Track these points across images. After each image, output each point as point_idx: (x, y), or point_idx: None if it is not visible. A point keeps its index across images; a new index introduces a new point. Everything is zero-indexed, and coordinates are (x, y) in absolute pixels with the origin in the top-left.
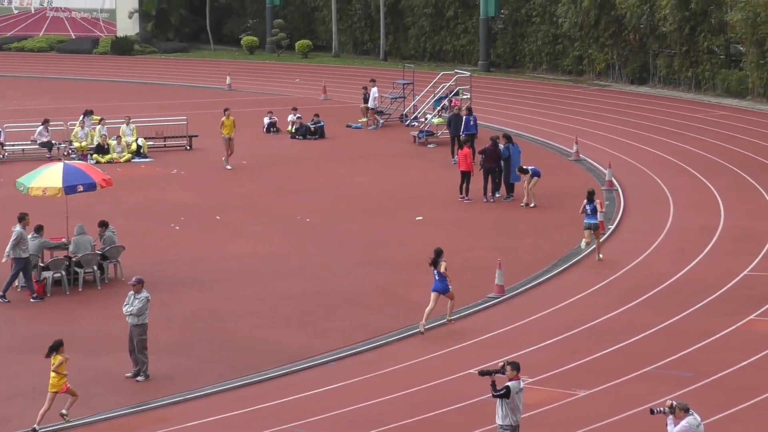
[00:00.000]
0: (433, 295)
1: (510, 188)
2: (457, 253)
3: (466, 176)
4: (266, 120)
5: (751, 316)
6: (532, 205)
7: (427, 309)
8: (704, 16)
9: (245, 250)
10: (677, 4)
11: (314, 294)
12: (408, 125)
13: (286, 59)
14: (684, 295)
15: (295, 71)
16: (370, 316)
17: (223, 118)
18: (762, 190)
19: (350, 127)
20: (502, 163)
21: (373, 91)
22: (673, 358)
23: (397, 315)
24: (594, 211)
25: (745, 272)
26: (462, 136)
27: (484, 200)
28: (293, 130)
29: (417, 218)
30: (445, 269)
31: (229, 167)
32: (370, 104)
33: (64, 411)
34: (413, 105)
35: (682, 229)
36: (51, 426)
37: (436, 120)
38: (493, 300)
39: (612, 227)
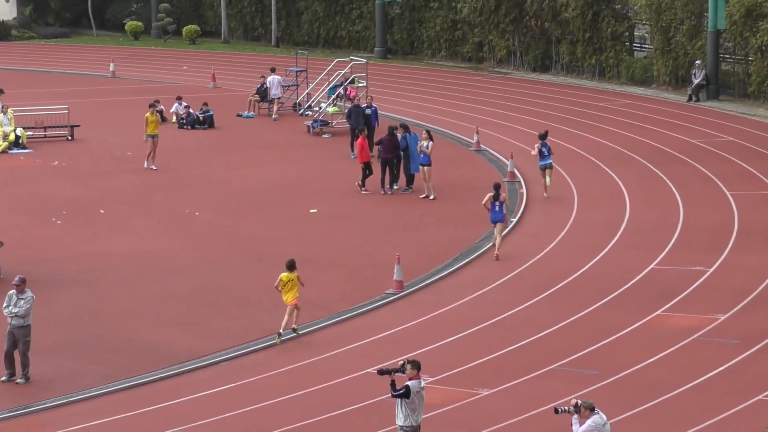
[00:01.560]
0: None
1: (409, 180)
2: (354, 248)
3: (367, 167)
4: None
5: (658, 312)
6: (431, 197)
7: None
8: (608, 1)
9: (130, 247)
10: None
11: (202, 292)
12: (302, 114)
13: (173, 45)
14: (589, 290)
15: (183, 58)
16: (261, 315)
17: (147, 114)
18: (668, 181)
19: (241, 116)
20: (401, 153)
21: (276, 80)
22: (577, 355)
23: None
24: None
25: (651, 266)
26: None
27: (382, 192)
28: (178, 122)
29: (311, 210)
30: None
31: (154, 168)
32: (274, 93)
33: (295, 326)
34: (307, 93)
35: (586, 222)
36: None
37: (330, 109)
38: (391, 296)
39: (514, 221)
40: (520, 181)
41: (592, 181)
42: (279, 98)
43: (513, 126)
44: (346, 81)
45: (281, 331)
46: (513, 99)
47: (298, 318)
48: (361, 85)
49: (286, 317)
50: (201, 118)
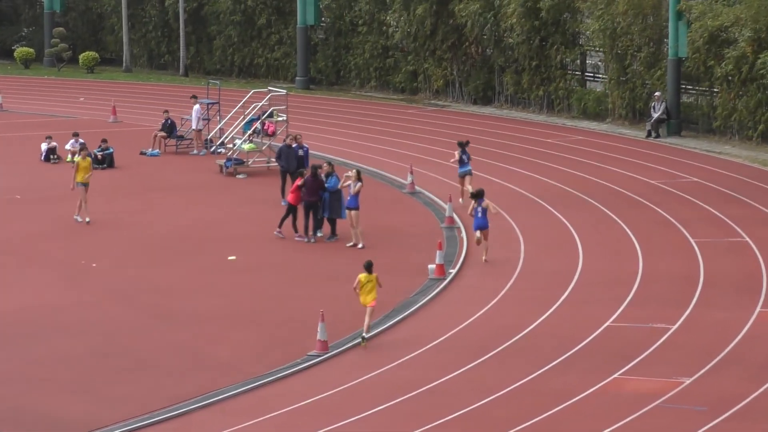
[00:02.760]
0: (477, 233)
1: (334, 226)
2: (273, 302)
3: (292, 210)
4: (44, 146)
5: (616, 374)
6: (360, 246)
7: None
8: (556, 26)
9: (17, 303)
10: (525, 12)
11: (99, 354)
12: (214, 152)
13: (69, 75)
14: (538, 350)
15: (79, 89)
16: (166, 379)
17: (78, 159)
18: (625, 226)
19: (145, 154)
20: (326, 195)
21: (195, 110)
22: (526, 425)
23: (197, 378)
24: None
25: (607, 323)
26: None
27: (305, 240)
28: (73, 160)
29: (230, 258)
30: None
31: (88, 220)
32: (194, 125)
33: (365, 334)
34: (219, 128)
35: (534, 272)
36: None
37: (246, 146)
38: (314, 359)
39: (453, 272)
40: (459, 227)
41: (541, 226)
42: (200, 130)
43: (452, 165)
44: (263, 114)
45: (365, 334)
46: (451, 135)
47: (369, 322)
48: (280, 119)
49: (366, 318)
50: (100, 157)
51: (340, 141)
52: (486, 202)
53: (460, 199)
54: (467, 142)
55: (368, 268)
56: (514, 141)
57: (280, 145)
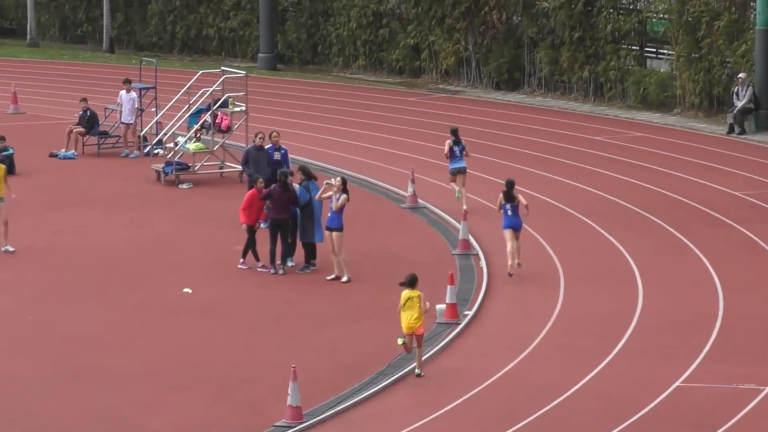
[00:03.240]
0: (507, 233)
1: (310, 252)
2: (230, 354)
3: (251, 232)
4: None
5: None
6: (344, 279)
7: (509, 248)
8: None
9: None
10: None
11: None
12: (149, 154)
13: None
14: (583, 419)
15: None
16: None
17: None
18: (699, 252)
19: (57, 156)
20: (297, 212)
21: (130, 99)
22: None
23: None
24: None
25: (677, 383)
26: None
27: (272, 271)
28: None
29: (185, 290)
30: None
31: (11, 249)
32: (126, 118)
33: (418, 369)
34: (156, 122)
35: (578, 315)
36: None
37: (192, 145)
38: (284, 430)
39: (470, 314)
40: (477, 254)
41: (586, 251)
42: (130, 125)
43: (467, 171)
44: (215, 104)
45: (418, 371)
46: (466, 130)
47: (420, 354)
48: (237, 110)
49: (415, 351)
50: None
51: (317, 139)
52: (519, 198)
53: (464, 207)
54: (457, 130)
55: (411, 283)
56: (549, 138)
57: (248, 146)
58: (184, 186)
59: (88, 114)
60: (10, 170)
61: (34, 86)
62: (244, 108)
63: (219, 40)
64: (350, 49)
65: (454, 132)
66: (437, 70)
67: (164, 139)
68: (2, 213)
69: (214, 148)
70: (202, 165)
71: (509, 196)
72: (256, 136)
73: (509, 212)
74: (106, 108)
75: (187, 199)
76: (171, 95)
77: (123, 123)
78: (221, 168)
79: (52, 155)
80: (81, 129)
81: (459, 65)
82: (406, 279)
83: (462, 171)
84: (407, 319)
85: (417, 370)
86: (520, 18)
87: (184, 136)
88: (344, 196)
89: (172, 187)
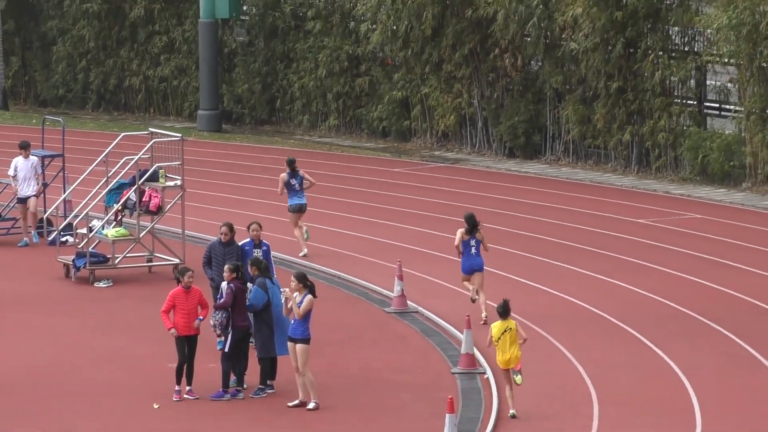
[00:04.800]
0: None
1: (268, 370)
2: None
3: (182, 347)
4: None
5: None
6: (310, 405)
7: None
8: (652, 19)
9: None
10: None
11: None
12: (54, 241)
13: None
14: None
15: None
16: None
17: None
18: None
19: None
20: (249, 318)
21: (29, 165)
22: None
23: None
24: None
25: None
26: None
27: (223, 395)
28: None
29: (155, 406)
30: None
31: None
32: (24, 191)
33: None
34: (64, 200)
35: None
36: None
37: (110, 231)
38: None
39: None
40: (485, 373)
41: (626, 368)
42: (29, 198)
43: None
44: (142, 176)
45: (513, 410)
46: (469, 209)
47: (513, 392)
48: (171, 184)
49: (507, 389)
50: None
51: (274, 223)
52: (481, 233)
53: (302, 251)
54: (294, 161)
55: (506, 311)
56: (579, 221)
57: (211, 240)
58: (101, 284)
59: None
60: None
61: None
62: (179, 182)
63: (146, 92)
64: (318, 105)
65: (291, 162)
66: (432, 132)
67: (75, 222)
68: None
69: (140, 235)
70: (124, 256)
71: (472, 232)
72: (222, 227)
73: (473, 250)
74: None
75: (104, 302)
76: (84, 165)
77: (20, 200)
78: (150, 260)
79: None
80: None
81: (461, 125)
82: (499, 307)
83: (302, 210)
84: (505, 353)
85: (512, 411)
86: (540, 63)
87: (101, 218)
88: (309, 296)
89: (86, 285)
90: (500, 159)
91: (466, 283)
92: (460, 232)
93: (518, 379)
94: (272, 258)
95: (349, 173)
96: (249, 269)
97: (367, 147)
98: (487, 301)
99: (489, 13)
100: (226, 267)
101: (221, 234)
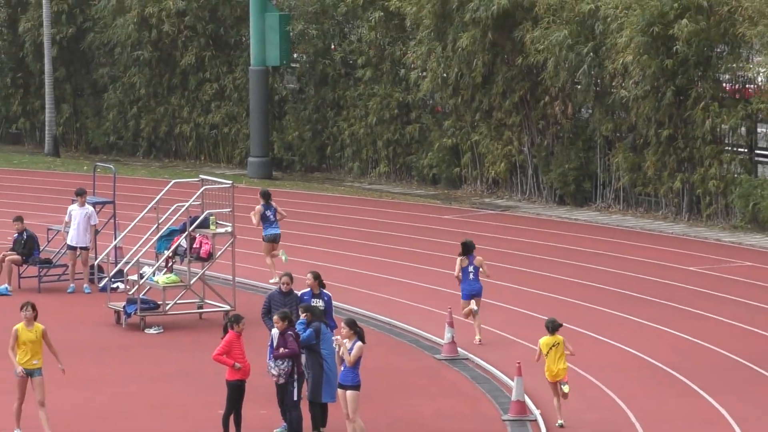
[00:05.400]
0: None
1: (318, 416)
2: None
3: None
4: None
5: None
6: None
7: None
8: (703, 67)
9: None
10: (648, 44)
11: None
12: (105, 288)
13: None
14: None
15: None
16: None
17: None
18: None
19: None
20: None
21: (85, 215)
22: None
23: None
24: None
25: None
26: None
27: None
28: None
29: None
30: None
31: None
32: (78, 240)
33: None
34: (115, 247)
35: None
36: None
37: (161, 278)
38: None
39: None
40: (536, 420)
41: (678, 418)
42: (83, 249)
43: (519, 310)
44: (192, 223)
45: (561, 420)
46: (519, 258)
47: (560, 403)
48: (221, 231)
49: (554, 400)
50: None
51: (325, 269)
52: (479, 258)
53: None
54: (268, 193)
55: (555, 327)
56: (629, 269)
57: (271, 290)
58: (152, 331)
59: (25, 237)
60: None
61: None
62: (230, 229)
63: (197, 139)
64: (368, 152)
65: (265, 194)
66: (482, 179)
67: (126, 269)
68: (39, 389)
69: (191, 282)
70: (174, 303)
71: (468, 256)
72: (281, 278)
73: (471, 276)
74: (48, 229)
75: (155, 349)
76: (135, 211)
77: (71, 248)
78: (200, 307)
79: None
80: (16, 256)
81: (511, 173)
82: (548, 323)
83: (275, 239)
84: (552, 367)
85: (560, 420)
86: (590, 111)
87: (152, 265)
88: (359, 343)
89: (136, 332)
90: (551, 206)
91: (467, 313)
92: (459, 260)
93: (566, 388)
94: (333, 308)
95: (399, 220)
96: (302, 316)
97: (417, 194)
98: (482, 325)
99: (539, 61)
100: (275, 316)
101: (282, 284)
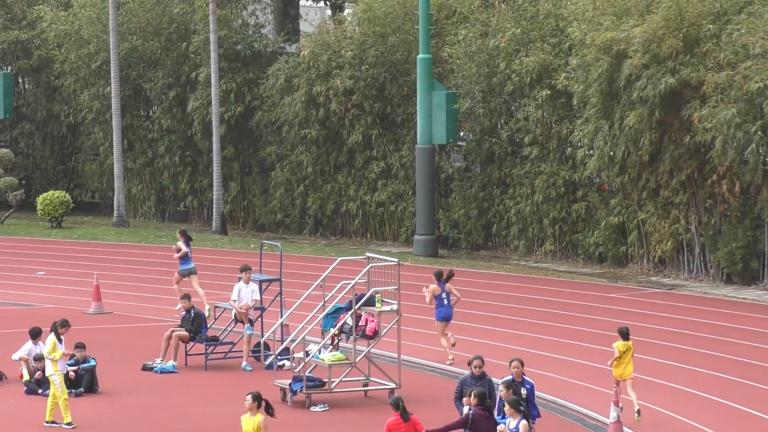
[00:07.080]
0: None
1: None
2: None
3: None
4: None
5: None
6: None
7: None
8: None
9: None
10: None
11: None
12: (270, 366)
13: (18, 230)
14: None
15: (36, 255)
16: None
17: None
18: None
19: (152, 369)
20: None
21: (242, 291)
22: None
23: None
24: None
25: None
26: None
27: None
28: (27, 381)
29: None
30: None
31: None
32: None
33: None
34: (282, 324)
35: None
36: None
37: (327, 356)
38: None
39: None
40: None
41: None
42: (251, 324)
43: (683, 388)
44: (358, 301)
45: (637, 408)
46: (686, 336)
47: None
48: (387, 309)
49: (632, 393)
50: (73, 375)
51: (490, 348)
52: (449, 286)
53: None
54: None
55: (626, 332)
56: None
57: (464, 374)
58: (318, 408)
59: (192, 314)
60: (91, 388)
61: (121, 278)
62: (395, 306)
63: (363, 217)
64: (534, 230)
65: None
66: (649, 257)
67: (292, 346)
68: None
69: (357, 359)
70: (340, 381)
71: (442, 282)
72: (471, 362)
73: (445, 301)
74: (216, 306)
75: (320, 427)
76: (300, 289)
77: (239, 326)
78: (366, 385)
79: (145, 368)
80: (184, 333)
81: (678, 251)
82: (623, 329)
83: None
84: (621, 367)
85: (637, 417)
86: (760, 189)
87: (318, 343)
88: (523, 422)
89: (302, 409)
90: (717, 285)
91: (443, 340)
92: (431, 288)
93: (629, 383)
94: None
95: (565, 299)
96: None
97: (583, 272)
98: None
99: (707, 140)
100: (472, 393)
101: (473, 367)
